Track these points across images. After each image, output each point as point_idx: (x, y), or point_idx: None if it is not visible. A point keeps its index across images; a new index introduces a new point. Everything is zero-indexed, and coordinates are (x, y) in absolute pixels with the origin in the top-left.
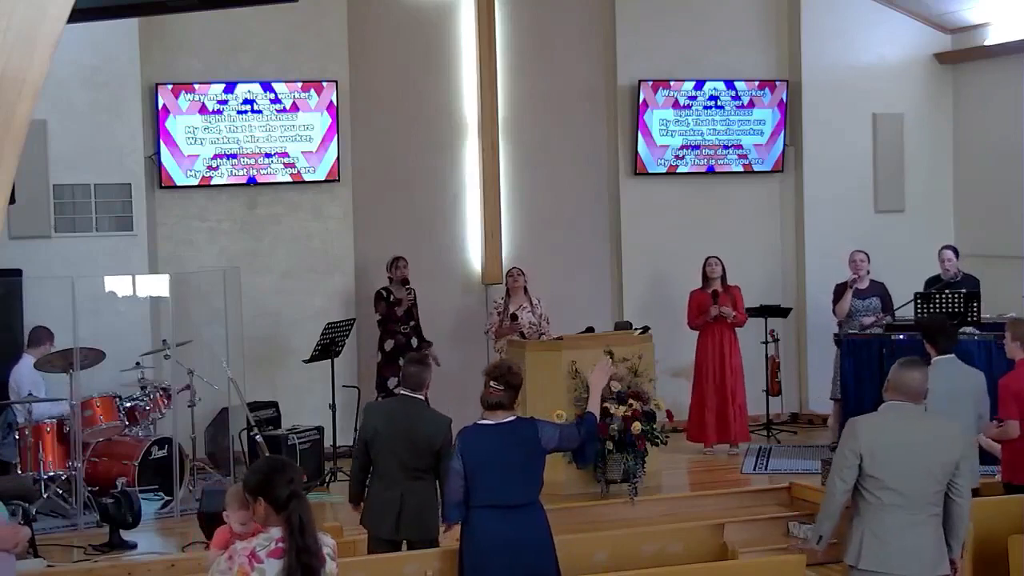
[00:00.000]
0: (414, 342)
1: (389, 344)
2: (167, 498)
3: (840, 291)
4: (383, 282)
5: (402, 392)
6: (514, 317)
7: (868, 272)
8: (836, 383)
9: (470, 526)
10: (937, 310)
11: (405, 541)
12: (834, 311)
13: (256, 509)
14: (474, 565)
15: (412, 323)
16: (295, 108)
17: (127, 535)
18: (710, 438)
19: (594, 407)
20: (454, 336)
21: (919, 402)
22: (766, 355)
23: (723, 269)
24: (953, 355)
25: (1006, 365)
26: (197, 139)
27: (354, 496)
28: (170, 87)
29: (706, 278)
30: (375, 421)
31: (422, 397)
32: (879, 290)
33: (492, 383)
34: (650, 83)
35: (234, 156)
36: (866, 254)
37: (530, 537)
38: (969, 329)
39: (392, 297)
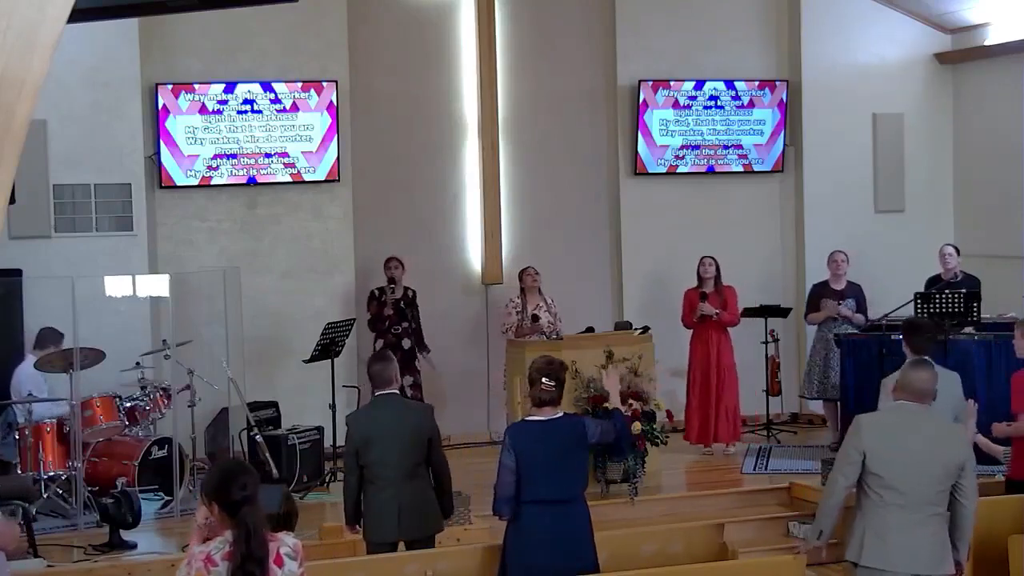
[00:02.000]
0: (406, 343)
1: (378, 345)
2: (167, 498)
3: (816, 292)
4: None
5: (377, 393)
6: (535, 318)
7: (845, 273)
8: (812, 381)
9: (518, 521)
10: (937, 310)
11: (404, 542)
12: (807, 316)
13: (212, 512)
14: (520, 560)
15: (406, 324)
16: (295, 108)
17: (127, 535)
18: (693, 438)
19: (615, 404)
20: (454, 336)
21: (926, 403)
22: (766, 355)
23: (717, 269)
24: (927, 358)
25: (1006, 365)
26: (197, 139)
27: (352, 516)
28: (170, 87)
29: (699, 277)
30: (361, 429)
31: (396, 391)
32: (855, 291)
33: (544, 380)
34: (650, 83)
35: (234, 156)
36: (846, 255)
37: (574, 532)
38: (968, 329)
39: (384, 297)
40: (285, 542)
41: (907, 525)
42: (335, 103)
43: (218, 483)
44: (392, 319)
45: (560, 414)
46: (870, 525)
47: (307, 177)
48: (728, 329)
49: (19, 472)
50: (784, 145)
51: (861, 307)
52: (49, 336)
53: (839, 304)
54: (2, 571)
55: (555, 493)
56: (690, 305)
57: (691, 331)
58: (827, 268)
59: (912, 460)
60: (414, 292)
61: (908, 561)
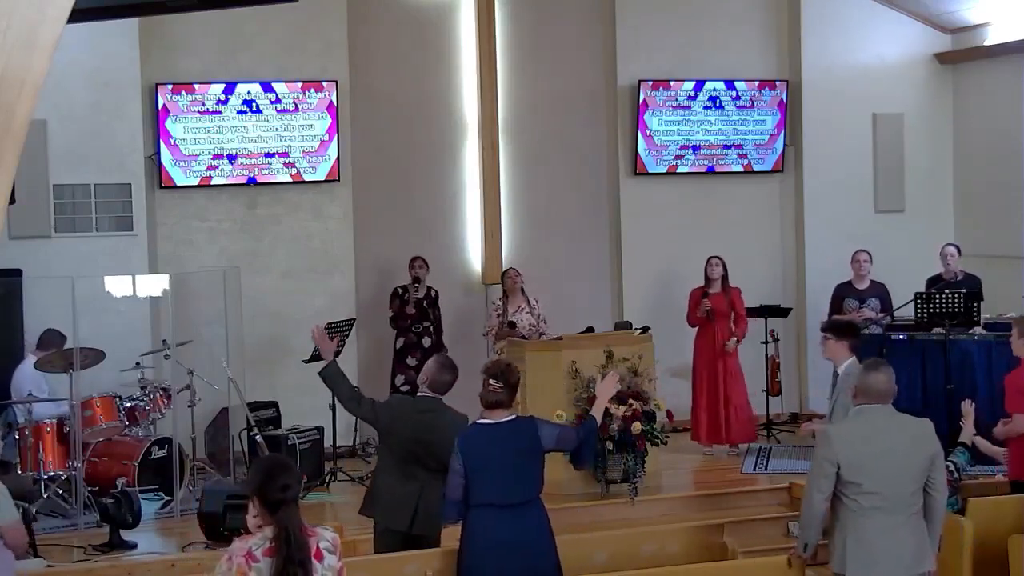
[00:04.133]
0: (426, 341)
1: (399, 342)
2: (167, 498)
3: (839, 293)
4: (383, 282)
5: (426, 393)
6: (512, 324)
7: (869, 272)
8: None
9: (469, 525)
10: (938, 310)
11: (409, 536)
12: (830, 318)
13: (255, 506)
14: (473, 564)
15: (427, 323)
16: (295, 108)
17: (127, 535)
18: (704, 438)
19: (597, 412)
20: (454, 336)
21: (887, 402)
22: (766, 355)
23: (724, 269)
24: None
25: (1006, 365)
26: (197, 139)
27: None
28: (170, 87)
29: (707, 277)
30: (394, 415)
31: (441, 398)
32: (879, 291)
33: (491, 381)
34: (650, 83)
35: (234, 156)
36: (869, 254)
37: (529, 536)
38: (980, 329)
39: (406, 295)
40: (323, 536)
41: (889, 528)
42: (335, 103)
43: (260, 480)
44: (414, 317)
45: (511, 417)
46: (851, 534)
47: (307, 177)
48: (733, 328)
49: (19, 472)
50: (784, 145)
51: (886, 306)
52: (53, 338)
53: (860, 306)
54: (8, 571)
55: (505, 497)
56: (696, 305)
57: (695, 330)
58: (850, 268)
59: (887, 462)
60: (436, 292)
61: (894, 565)
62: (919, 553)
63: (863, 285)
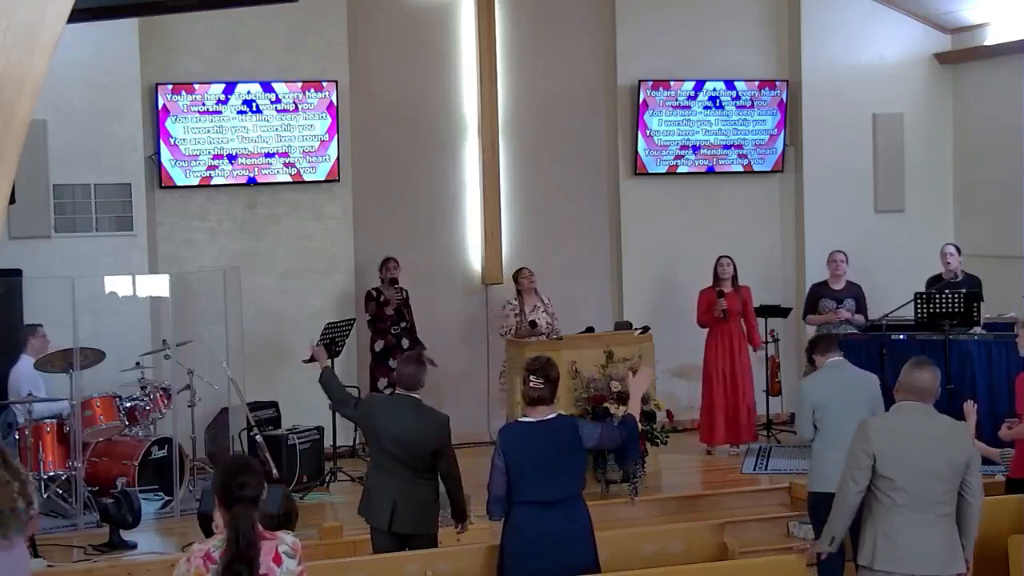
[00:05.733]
0: (405, 343)
1: (379, 345)
2: (167, 498)
3: (815, 292)
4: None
5: (399, 392)
6: (533, 324)
7: (845, 273)
8: None
9: (511, 522)
10: (937, 310)
11: (399, 535)
12: (805, 317)
13: (217, 507)
14: (515, 561)
15: (404, 324)
16: (295, 108)
17: (127, 535)
18: (720, 439)
19: (634, 410)
20: (454, 336)
21: (929, 402)
22: (766, 355)
23: (735, 269)
24: (842, 358)
25: (1006, 365)
26: (197, 139)
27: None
28: (170, 87)
29: (717, 277)
30: (375, 414)
31: (418, 396)
32: (854, 291)
33: (532, 378)
34: (650, 83)
35: (234, 156)
36: (845, 255)
37: (571, 533)
38: (979, 329)
39: (382, 297)
40: (284, 540)
41: (916, 525)
42: (335, 103)
43: (220, 480)
44: (392, 319)
45: (553, 415)
46: (881, 528)
47: (307, 177)
48: (746, 332)
49: None
50: (784, 145)
51: (861, 307)
52: (30, 332)
53: (836, 307)
54: (22, 568)
55: (547, 494)
56: (707, 304)
57: (706, 330)
58: (826, 268)
59: (918, 459)
60: (407, 292)
61: (919, 562)
62: (948, 554)
63: (839, 285)
